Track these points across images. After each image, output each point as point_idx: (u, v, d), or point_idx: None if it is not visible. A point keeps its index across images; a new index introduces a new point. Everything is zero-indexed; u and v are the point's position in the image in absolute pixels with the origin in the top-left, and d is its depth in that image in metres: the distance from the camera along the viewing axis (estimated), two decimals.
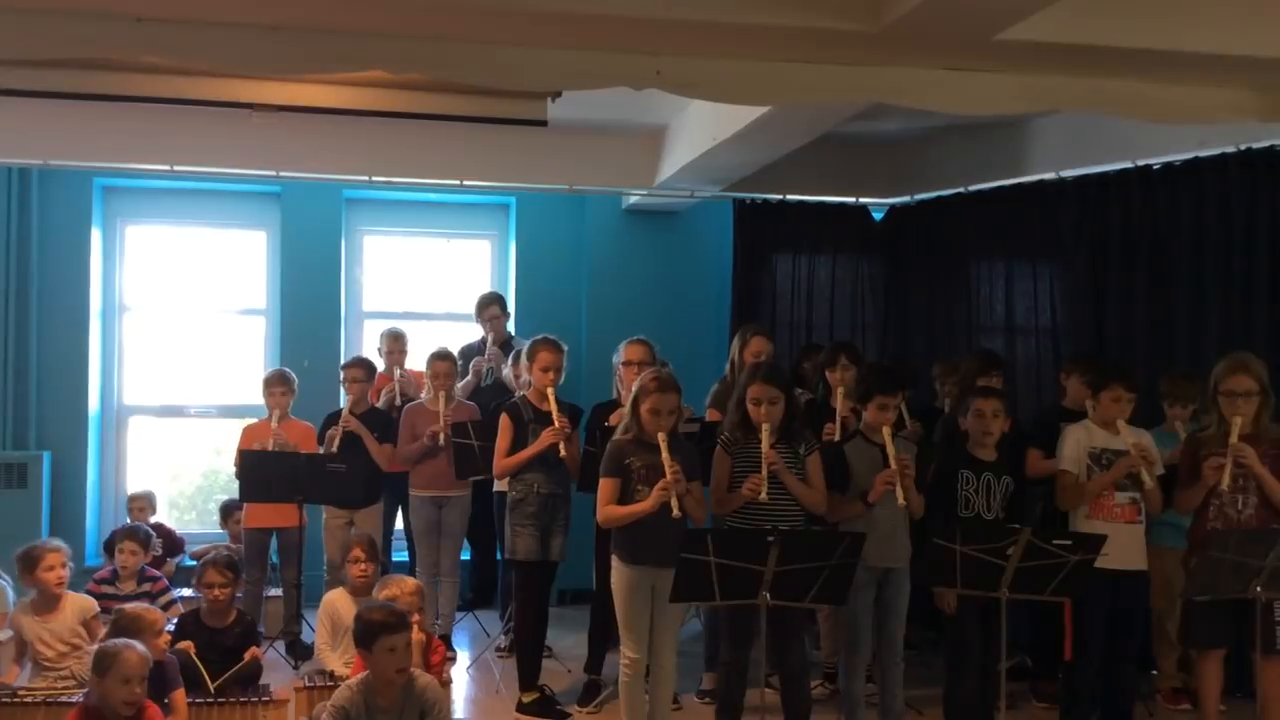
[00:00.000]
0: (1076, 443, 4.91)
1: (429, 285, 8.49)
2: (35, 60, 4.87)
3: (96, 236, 7.83)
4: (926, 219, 7.70)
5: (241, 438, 6.54)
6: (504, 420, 5.50)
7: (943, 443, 5.67)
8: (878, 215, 8.03)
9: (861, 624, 4.82)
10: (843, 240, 7.94)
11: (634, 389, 4.69)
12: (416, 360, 7.00)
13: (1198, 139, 5.86)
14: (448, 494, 6.32)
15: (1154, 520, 5.02)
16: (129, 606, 4.70)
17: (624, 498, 4.60)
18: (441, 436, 6.19)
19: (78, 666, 4.92)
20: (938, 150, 7.58)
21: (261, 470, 6.18)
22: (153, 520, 7.14)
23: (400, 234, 8.48)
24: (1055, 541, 4.29)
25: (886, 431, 4.73)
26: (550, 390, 5.41)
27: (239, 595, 5.64)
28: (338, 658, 5.05)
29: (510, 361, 6.76)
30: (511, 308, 7.91)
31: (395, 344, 7.07)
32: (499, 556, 6.69)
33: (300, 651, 6.21)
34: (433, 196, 8.16)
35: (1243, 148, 5.76)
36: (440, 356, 6.47)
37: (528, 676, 5.46)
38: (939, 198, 7.57)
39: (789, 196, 7.70)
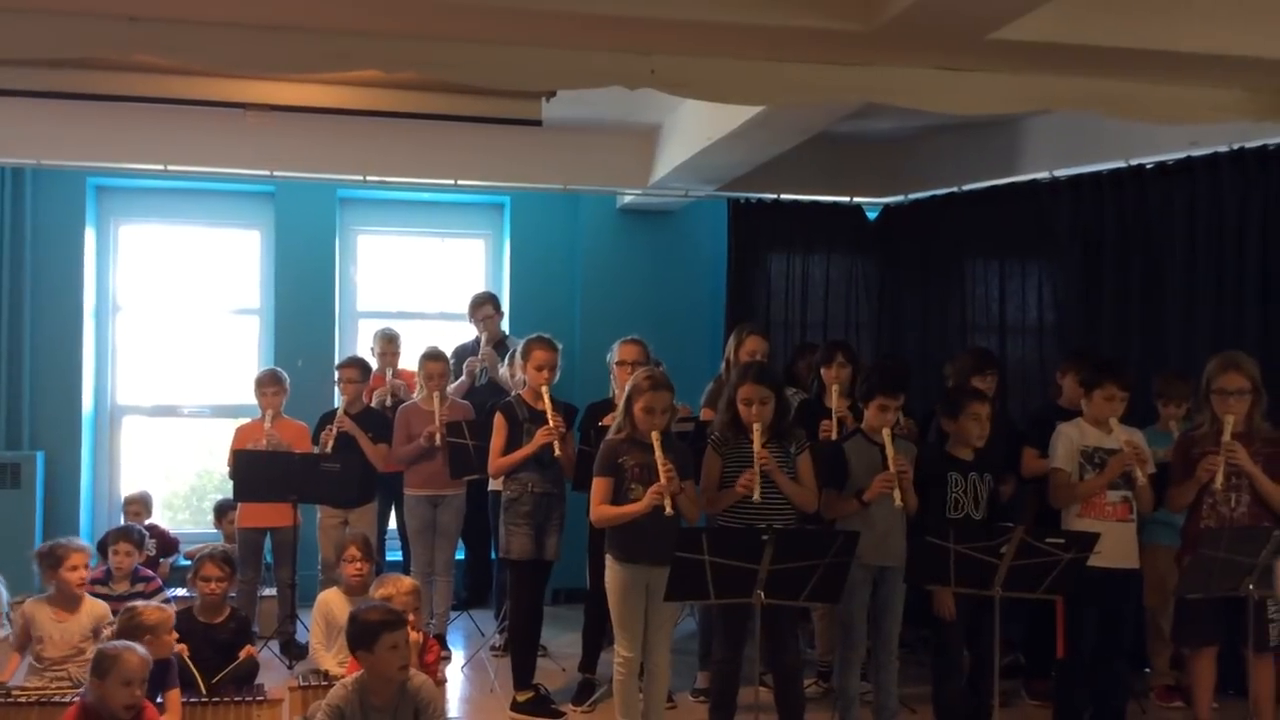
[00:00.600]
0: (1069, 441, 4.93)
1: (423, 285, 8.48)
2: (29, 60, 4.87)
3: (90, 236, 7.82)
4: (920, 218, 7.71)
5: (235, 438, 6.54)
6: (499, 419, 5.50)
7: (935, 444, 5.69)
8: (872, 214, 8.04)
9: (857, 622, 4.84)
10: (837, 239, 7.95)
11: (627, 388, 4.70)
12: (409, 361, 7.01)
13: (1190, 138, 5.87)
14: (443, 493, 6.32)
15: (1146, 519, 5.04)
16: (140, 605, 4.68)
17: (617, 497, 4.62)
18: (437, 436, 6.19)
19: (76, 670, 4.92)
20: (931, 150, 7.59)
21: (256, 470, 6.18)
22: (147, 522, 7.14)
23: (394, 233, 8.47)
24: (1048, 540, 4.31)
25: (886, 433, 4.75)
26: (545, 389, 5.41)
27: (232, 595, 5.64)
28: (332, 657, 5.05)
29: (505, 361, 6.76)
30: (506, 307, 7.90)
31: (388, 345, 7.06)
32: (493, 556, 6.70)
33: (294, 651, 6.21)
34: (427, 196, 8.16)
35: (1235, 147, 5.78)
36: (432, 357, 6.46)
37: (522, 675, 5.46)
38: (933, 197, 7.58)
39: (783, 196, 7.71)
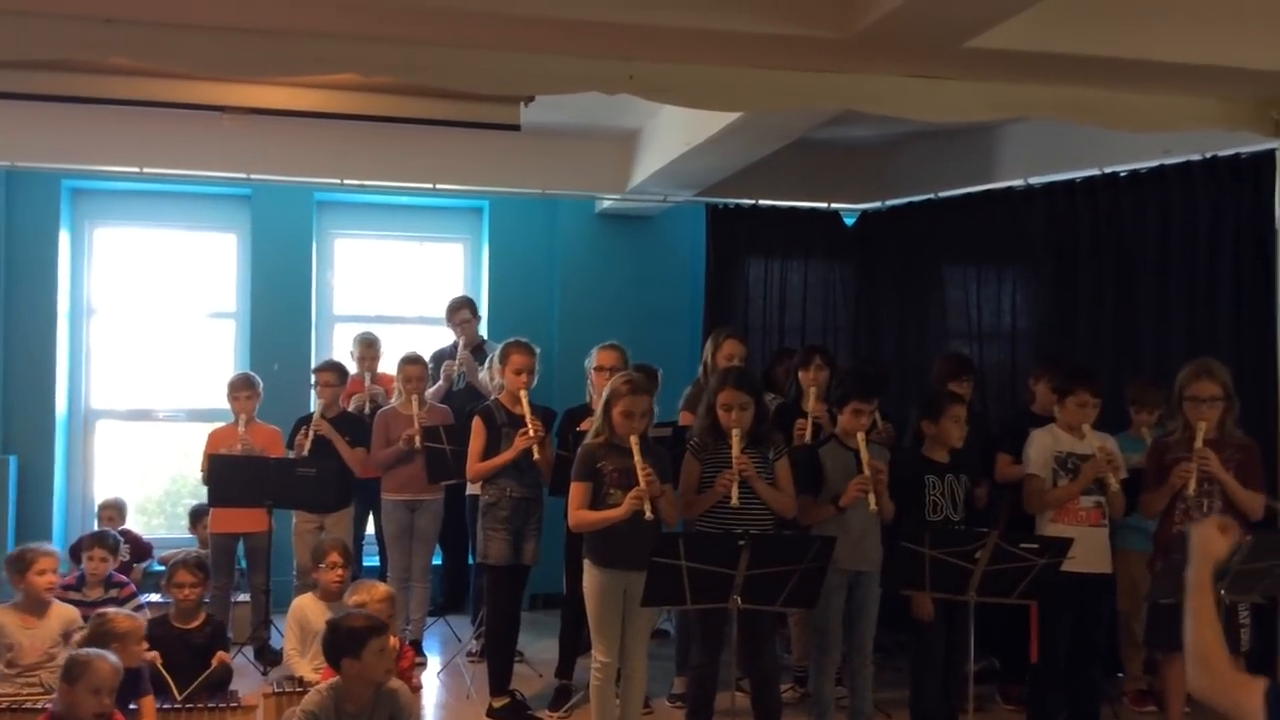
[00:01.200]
0: (1043, 447, 4.97)
1: (401, 289, 8.46)
2: (4, 61, 4.82)
3: (65, 239, 7.76)
4: (897, 224, 7.74)
5: (208, 442, 6.50)
6: (477, 424, 5.49)
7: (912, 447, 5.71)
8: (849, 220, 8.07)
9: (832, 627, 4.85)
10: (815, 245, 7.98)
11: (605, 392, 4.70)
12: (388, 365, 6.99)
13: (1164, 147, 5.92)
14: (421, 498, 6.31)
15: (1119, 524, 5.08)
16: (111, 612, 4.64)
17: (596, 501, 4.61)
18: (416, 439, 6.17)
19: (48, 676, 4.87)
20: (909, 156, 7.63)
21: (230, 475, 6.15)
22: (121, 527, 7.09)
23: (372, 237, 8.45)
24: (1022, 545, 4.33)
25: (861, 438, 4.76)
26: (523, 393, 5.41)
27: (206, 600, 5.60)
28: (307, 664, 5.02)
29: (483, 366, 6.75)
30: (484, 312, 7.90)
31: (368, 350, 7.04)
32: (471, 561, 6.68)
33: (269, 657, 6.17)
34: (405, 200, 8.15)
35: (1208, 156, 5.83)
36: (411, 361, 6.45)
37: (498, 681, 5.45)
38: (910, 203, 7.62)
39: (761, 201, 7.73)
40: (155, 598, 6.32)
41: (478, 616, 6.44)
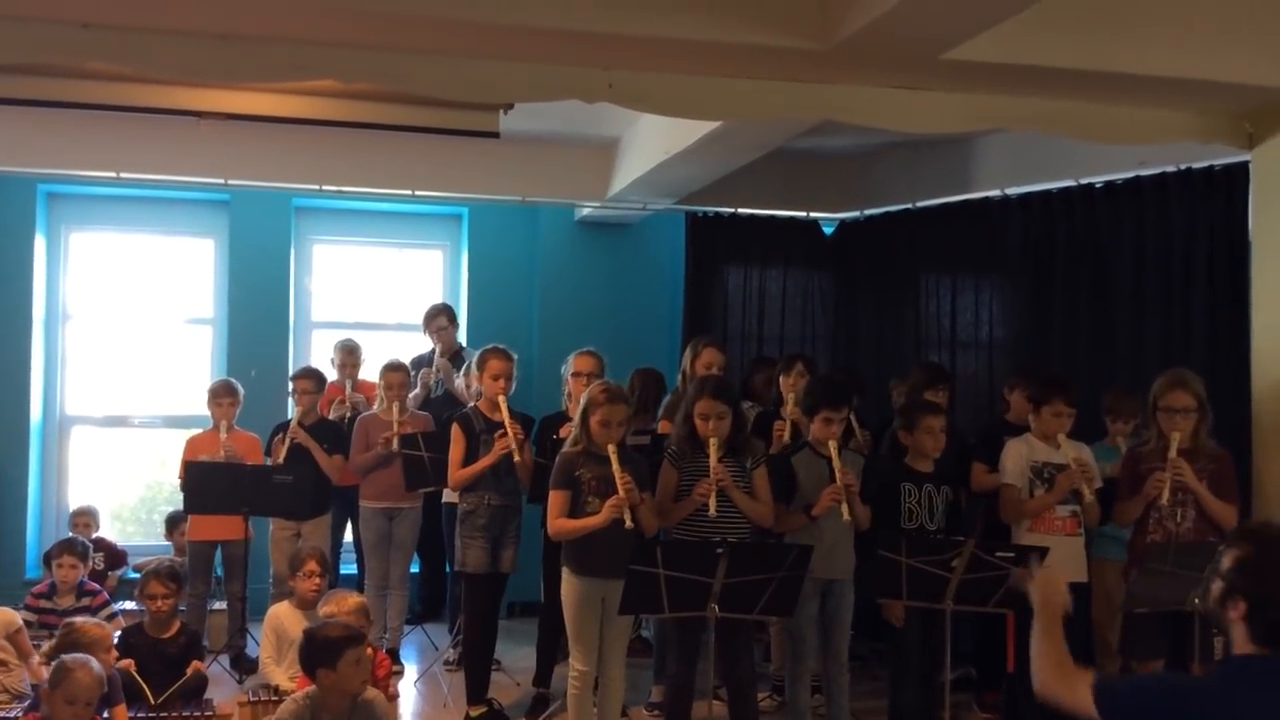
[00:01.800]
0: (1019, 457, 5.00)
1: (380, 295, 8.44)
2: None
3: (40, 243, 7.70)
4: (875, 234, 7.78)
5: (186, 449, 6.46)
6: (456, 431, 5.48)
7: (887, 455, 5.74)
8: (828, 229, 8.11)
9: (806, 635, 4.86)
10: (793, 254, 8.01)
11: (583, 401, 4.70)
12: (368, 372, 6.96)
13: (1139, 158, 5.97)
14: (399, 505, 6.29)
15: (1095, 533, 5.11)
16: (79, 621, 4.62)
17: (574, 510, 4.61)
18: (395, 442, 6.15)
19: (8, 679, 4.83)
20: (886, 166, 7.67)
21: (207, 482, 6.12)
22: (95, 535, 7.04)
23: (351, 243, 8.43)
24: (998, 554, 4.36)
25: (833, 446, 4.78)
26: (502, 399, 5.40)
27: (182, 608, 5.57)
28: (283, 672, 5.00)
29: (461, 373, 6.74)
30: (463, 319, 7.89)
31: (349, 357, 7.02)
32: (448, 569, 6.67)
33: (245, 665, 6.14)
34: (384, 206, 8.13)
35: (1183, 167, 5.88)
36: (393, 368, 6.44)
37: (476, 690, 5.43)
38: (887, 213, 7.66)
39: (741, 210, 7.75)
40: (130, 605, 6.28)
41: (455, 625, 6.42)
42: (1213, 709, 2.37)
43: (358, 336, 7.29)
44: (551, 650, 5.65)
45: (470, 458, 5.42)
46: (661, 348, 7.88)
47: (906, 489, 4.88)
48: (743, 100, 4.74)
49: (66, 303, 7.94)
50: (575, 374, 5.57)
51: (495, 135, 6.18)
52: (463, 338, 7.60)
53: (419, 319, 7.47)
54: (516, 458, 5.32)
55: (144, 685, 4.70)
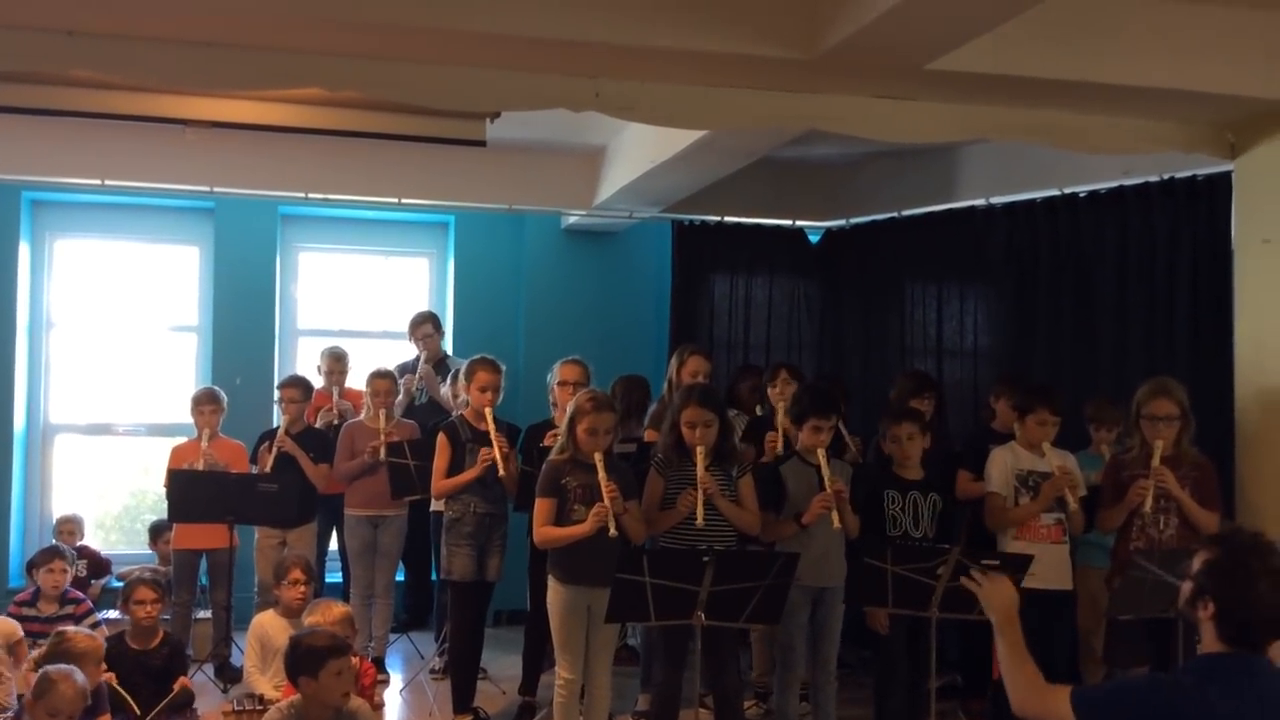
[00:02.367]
0: (1004, 465, 5.02)
1: (366, 303, 8.42)
2: None
3: (24, 250, 7.66)
4: (861, 242, 7.81)
5: (171, 457, 6.43)
6: (441, 440, 5.47)
7: (873, 464, 5.75)
8: (814, 238, 8.13)
9: (796, 643, 4.86)
10: (780, 262, 8.02)
11: (570, 409, 4.70)
12: (355, 379, 6.95)
13: (1123, 168, 6.02)
14: (384, 514, 6.27)
15: (1079, 541, 5.13)
16: (70, 631, 4.59)
17: (560, 518, 4.61)
18: (381, 450, 6.14)
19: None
20: (872, 175, 7.70)
21: (191, 490, 6.09)
22: (79, 543, 7.00)
23: (337, 251, 8.40)
24: (983, 561, 4.36)
25: (821, 454, 4.79)
26: (488, 410, 5.40)
27: (166, 617, 5.54)
28: (267, 681, 4.98)
29: (449, 381, 6.73)
30: (449, 327, 7.88)
31: (336, 364, 7.00)
32: (434, 577, 6.65)
33: (229, 675, 6.10)
34: (370, 214, 8.11)
35: (1166, 177, 5.92)
36: (380, 375, 6.43)
37: (462, 699, 5.42)
38: (873, 222, 7.69)
39: (727, 218, 7.77)
40: (113, 614, 6.24)
41: (441, 633, 6.40)
42: (1188, 707, 2.45)
43: (344, 344, 7.27)
44: (538, 658, 5.65)
45: (455, 467, 5.41)
46: (648, 356, 7.88)
47: (890, 496, 4.90)
48: (729, 109, 4.76)
49: (50, 310, 7.90)
50: (561, 382, 5.57)
51: (482, 143, 6.19)
52: (449, 346, 7.59)
53: (405, 327, 7.46)
54: (501, 472, 5.32)
55: (128, 697, 4.67)
